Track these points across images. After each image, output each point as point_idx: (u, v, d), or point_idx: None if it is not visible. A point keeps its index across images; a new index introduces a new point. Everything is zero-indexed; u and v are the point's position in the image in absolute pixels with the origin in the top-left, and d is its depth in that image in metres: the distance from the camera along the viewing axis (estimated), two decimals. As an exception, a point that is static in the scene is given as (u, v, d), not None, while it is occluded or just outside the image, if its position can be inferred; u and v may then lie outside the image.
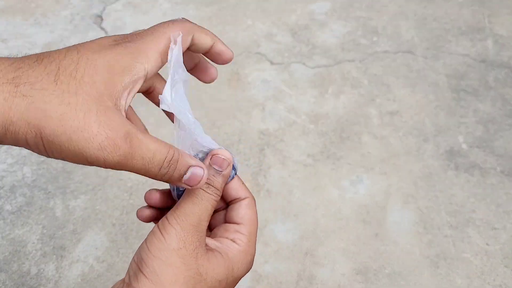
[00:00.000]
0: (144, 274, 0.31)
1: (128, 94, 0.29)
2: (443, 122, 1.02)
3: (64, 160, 0.28)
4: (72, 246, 0.86)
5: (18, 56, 0.28)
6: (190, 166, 0.31)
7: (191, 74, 0.40)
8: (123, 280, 0.34)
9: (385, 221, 0.87)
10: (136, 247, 0.83)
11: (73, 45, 0.30)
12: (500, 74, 1.11)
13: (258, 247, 0.85)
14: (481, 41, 1.20)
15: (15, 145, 0.28)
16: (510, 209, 0.88)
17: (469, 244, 0.84)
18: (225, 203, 0.40)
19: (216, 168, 0.35)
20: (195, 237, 0.33)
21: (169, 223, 0.33)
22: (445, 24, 1.25)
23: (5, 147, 1.02)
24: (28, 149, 0.28)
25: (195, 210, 0.33)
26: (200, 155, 0.36)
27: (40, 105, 0.26)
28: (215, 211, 0.39)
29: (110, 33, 1.29)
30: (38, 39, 1.28)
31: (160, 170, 0.29)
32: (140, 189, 0.93)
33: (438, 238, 0.84)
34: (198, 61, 0.40)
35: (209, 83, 0.41)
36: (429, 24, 1.26)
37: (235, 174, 0.39)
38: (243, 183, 0.39)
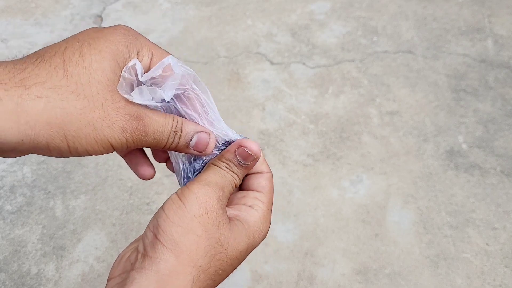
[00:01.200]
0: (161, 242, 0.29)
1: None
2: (443, 122, 1.02)
3: (83, 155, 0.29)
4: (72, 246, 0.86)
5: (18, 58, 0.28)
6: (195, 132, 0.32)
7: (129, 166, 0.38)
8: (136, 249, 0.31)
9: (385, 221, 0.87)
10: (136, 247, 0.83)
11: (69, 36, 0.30)
12: (500, 74, 1.11)
13: (258, 247, 0.85)
14: (481, 41, 1.20)
15: (29, 153, 0.28)
16: (510, 209, 0.88)
17: (469, 244, 0.84)
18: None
19: (241, 160, 0.34)
20: (218, 204, 0.31)
21: (189, 190, 0.31)
22: (445, 24, 1.25)
23: (5, 147, 1.02)
24: (43, 154, 0.28)
25: (219, 180, 0.32)
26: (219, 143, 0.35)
27: (57, 103, 0.26)
28: None
29: (110, 33, 1.29)
30: (38, 39, 1.28)
31: (168, 140, 0.31)
32: (140, 189, 0.93)
33: (438, 238, 0.84)
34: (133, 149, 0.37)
35: (144, 179, 0.37)
36: (429, 24, 1.26)
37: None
38: (264, 159, 0.37)
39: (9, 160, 0.99)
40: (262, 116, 1.05)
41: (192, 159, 0.36)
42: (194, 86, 0.32)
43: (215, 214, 0.31)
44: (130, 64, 0.29)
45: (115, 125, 0.28)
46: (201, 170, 0.35)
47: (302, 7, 1.33)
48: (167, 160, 0.37)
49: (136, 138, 0.29)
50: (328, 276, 0.80)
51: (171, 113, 0.33)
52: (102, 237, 0.86)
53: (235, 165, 0.34)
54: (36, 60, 0.27)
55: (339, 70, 1.15)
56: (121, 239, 0.86)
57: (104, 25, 1.32)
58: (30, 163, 0.97)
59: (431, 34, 1.23)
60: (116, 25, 0.31)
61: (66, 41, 0.29)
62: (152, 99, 0.31)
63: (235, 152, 0.34)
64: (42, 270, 0.82)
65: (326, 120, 1.04)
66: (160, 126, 0.31)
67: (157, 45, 0.32)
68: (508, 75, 1.11)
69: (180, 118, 0.32)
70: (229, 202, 0.36)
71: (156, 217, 0.31)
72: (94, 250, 0.84)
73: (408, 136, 1.00)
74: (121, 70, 0.29)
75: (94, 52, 0.28)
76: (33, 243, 0.86)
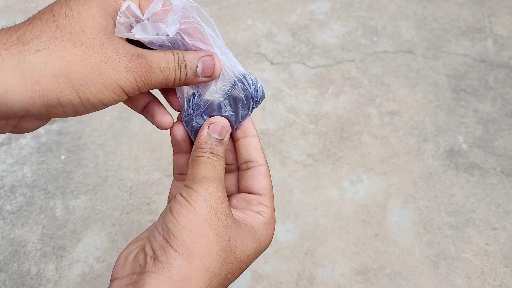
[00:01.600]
0: (173, 247, 0.29)
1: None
2: (443, 122, 1.02)
3: (98, 108, 0.28)
4: (72, 246, 0.86)
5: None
6: (198, 58, 0.32)
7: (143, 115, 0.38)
8: (143, 249, 0.31)
9: (385, 221, 0.87)
10: (136, 247, 0.82)
11: None
12: (500, 74, 1.11)
13: (258, 247, 0.85)
14: (481, 41, 1.20)
15: (44, 116, 0.27)
16: (510, 209, 0.88)
17: (469, 244, 0.84)
18: (237, 163, 0.38)
19: (216, 136, 0.34)
20: (224, 203, 0.31)
21: (194, 191, 0.31)
22: (445, 24, 1.25)
23: (5, 147, 1.02)
24: (58, 115, 0.28)
25: (215, 174, 0.32)
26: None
27: (57, 54, 0.26)
28: (226, 173, 0.38)
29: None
30: (38, 39, 1.28)
31: (175, 73, 0.31)
32: (140, 189, 0.93)
33: (438, 238, 0.84)
34: (149, 101, 0.37)
35: (163, 129, 0.37)
36: (429, 24, 1.26)
37: (261, 99, 0.35)
38: (261, 148, 0.37)
39: (9, 160, 0.99)
40: (262, 116, 1.05)
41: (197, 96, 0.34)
42: (198, 19, 0.31)
43: (224, 215, 0.31)
44: (123, 7, 0.29)
45: (119, 65, 0.28)
46: (204, 107, 0.34)
47: (302, 7, 1.33)
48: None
49: (144, 76, 0.29)
50: (328, 276, 0.80)
51: (179, 49, 0.32)
52: (102, 237, 0.86)
53: (215, 145, 0.33)
54: (27, 20, 0.28)
55: (339, 70, 1.15)
56: (121, 239, 0.86)
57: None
58: (30, 163, 0.98)
59: (431, 34, 1.23)
60: None
61: (53, 2, 0.29)
62: (156, 34, 0.30)
63: (207, 133, 0.34)
64: (42, 270, 0.82)
65: (326, 120, 1.04)
66: (163, 60, 0.30)
67: None
68: (508, 75, 1.11)
69: (179, 51, 0.32)
70: (234, 206, 0.36)
71: (165, 221, 0.30)
72: (94, 250, 0.84)
73: (408, 136, 1.00)
74: (111, 17, 0.29)
75: (81, 3, 0.28)
76: (33, 243, 0.86)
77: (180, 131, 0.37)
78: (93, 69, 0.27)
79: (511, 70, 1.12)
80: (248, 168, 0.37)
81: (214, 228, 0.30)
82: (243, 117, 0.35)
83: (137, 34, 0.29)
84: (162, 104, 0.36)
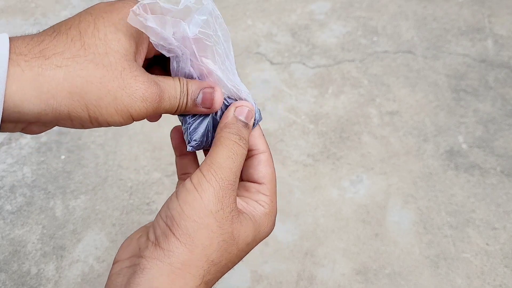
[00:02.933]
0: (175, 235, 0.29)
1: (142, 50, 0.31)
2: (443, 122, 1.02)
3: (103, 126, 0.29)
4: (72, 246, 0.86)
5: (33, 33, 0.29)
6: (200, 89, 0.32)
7: None
8: (146, 234, 0.31)
9: (385, 221, 0.87)
10: (136, 247, 0.82)
11: (82, 11, 0.30)
12: (500, 74, 1.11)
13: (258, 247, 0.85)
14: (481, 41, 1.20)
15: (52, 125, 0.28)
16: (510, 209, 0.88)
17: (469, 244, 0.84)
18: None
19: (242, 119, 0.34)
20: (232, 197, 0.31)
21: (206, 180, 0.30)
22: (445, 24, 1.25)
23: (5, 147, 1.02)
24: (64, 125, 0.28)
25: (232, 166, 0.31)
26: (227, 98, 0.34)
27: (77, 72, 0.27)
28: None
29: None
30: (38, 39, 1.28)
31: (180, 101, 0.31)
32: (140, 189, 0.93)
33: (438, 238, 0.84)
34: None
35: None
36: (429, 24, 1.26)
37: (258, 121, 0.36)
38: (262, 134, 0.36)
39: (9, 160, 0.99)
40: (262, 116, 1.05)
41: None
42: (219, 32, 0.31)
43: (229, 209, 0.30)
44: (146, 1, 0.29)
45: (136, 93, 0.28)
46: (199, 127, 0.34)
47: (302, 7, 1.33)
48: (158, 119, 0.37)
49: (155, 106, 0.30)
50: (328, 276, 0.80)
51: (186, 60, 0.32)
52: (102, 237, 0.86)
53: (242, 127, 0.33)
54: (53, 33, 0.28)
55: (339, 70, 1.15)
56: (121, 239, 0.86)
57: (104, 25, 1.32)
58: (30, 163, 0.97)
59: (431, 34, 1.23)
60: None
61: (79, 15, 0.30)
62: (173, 33, 0.29)
63: (234, 115, 0.33)
64: (42, 270, 0.82)
65: (326, 120, 1.04)
66: (173, 88, 0.31)
67: None
68: (508, 75, 1.11)
69: (184, 79, 0.32)
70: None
71: (170, 207, 0.30)
72: (94, 250, 0.84)
73: (408, 136, 1.00)
74: (135, 41, 0.29)
75: (108, 24, 0.29)
76: (33, 243, 0.86)
77: (179, 134, 0.37)
78: (109, 93, 0.28)
79: (511, 70, 1.12)
80: (249, 157, 0.36)
81: (218, 220, 0.30)
82: None
83: (150, 23, 0.28)
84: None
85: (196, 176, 0.31)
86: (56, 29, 0.28)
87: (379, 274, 0.80)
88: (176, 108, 0.32)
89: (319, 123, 1.04)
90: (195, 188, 0.30)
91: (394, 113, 1.05)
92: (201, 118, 0.34)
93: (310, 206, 0.90)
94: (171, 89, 0.31)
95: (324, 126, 1.03)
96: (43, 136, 1.03)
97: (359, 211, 0.88)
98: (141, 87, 0.29)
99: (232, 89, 0.33)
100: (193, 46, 0.30)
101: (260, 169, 0.36)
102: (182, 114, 0.34)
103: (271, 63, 1.18)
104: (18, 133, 1.05)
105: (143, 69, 0.30)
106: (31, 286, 0.81)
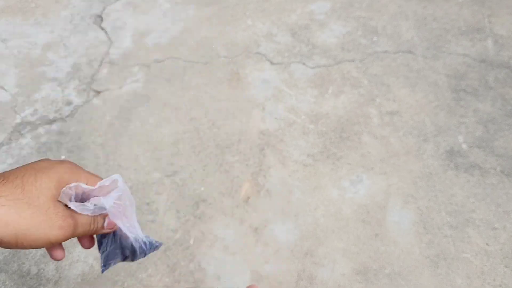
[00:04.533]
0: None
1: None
2: (443, 122, 1.02)
3: (26, 248, 0.39)
4: (72, 246, 0.86)
5: None
6: (104, 218, 0.46)
7: None
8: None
9: (385, 221, 0.87)
10: (136, 247, 0.82)
11: (29, 164, 0.42)
12: (500, 74, 1.11)
13: (258, 247, 0.85)
14: (481, 41, 1.20)
15: None
16: (510, 209, 0.88)
17: (469, 244, 0.84)
18: None
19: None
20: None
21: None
22: (445, 24, 1.25)
23: (5, 147, 1.02)
24: None
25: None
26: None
27: (15, 210, 0.37)
28: None
29: (110, 33, 1.29)
30: (38, 39, 1.28)
31: (91, 227, 0.44)
32: (140, 189, 0.92)
33: (438, 238, 0.84)
34: None
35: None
36: (429, 24, 1.26)
37: (149, 252, 0.49)
38: None
39: (9, 160, 0.99)
40: (262, 116, 1.05)
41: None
42: (127, 202, 0.44)
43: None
44: (72, 185, 0.41)
45: (55, 225, 0.39)
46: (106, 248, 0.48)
47: (302, 7, 1.33)
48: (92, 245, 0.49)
49: (71, 231, 0.41)
50: (328, 276, 0.81)
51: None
52: (102, 237, 0.86)
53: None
54: (2, 180, 0.38)
55: (339, 70, 1.15)
56: (121, 239, 0.86)
57: (104, 25, 1.32)
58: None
59: (431, 34, 1.23)
60: (63, 160, 0.44)
61: (25, 168, 0.41)
62: (94, 205, 0.43)
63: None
64: (42, 270, 0.82)
65: (326, 120, 1.04)
66: (85, 219, 0.43)
67: (95, 175, 0.44)
68: (508, 75, 1.11)
69: (93, 216, 0.44)
70: None
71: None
72: (94, 250, 0.84)
73: (408, 136, 1.00)
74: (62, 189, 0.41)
75: (45, 177, 0.40)
76: (33, 243, 0.86)
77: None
78: (34, 226, 0.38)
79: (511, 70, 1.12)
80: None
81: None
82: (139, 258, 0.49)
83: (72, 206, 0.41)
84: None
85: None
86: (6, 177, 0.39)
87: (379, 274, 0.80)
88: (88, 232, 0.44)
89: (319, 123, 1.04)
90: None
91: (394, 113, 1.05)
92: (112, 246, 0.48)
93: (310, 206, 0.90)
94: (83, 220, 0.43)
95: (324, 126, 1.03)
96: (43, 136, 1.03)
97: (359, 211, 0.89)
98: (60, 220, 0.40)
99: (131, 236, 0.47)
100: (109, 214, 0.45)
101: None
102: (99, 239, 0.48)
103: (271, 63, 1.18)
104: (18, 133, 1.05)
105: (64, 207, 0.41)
106: (31, 286, 0.81)
